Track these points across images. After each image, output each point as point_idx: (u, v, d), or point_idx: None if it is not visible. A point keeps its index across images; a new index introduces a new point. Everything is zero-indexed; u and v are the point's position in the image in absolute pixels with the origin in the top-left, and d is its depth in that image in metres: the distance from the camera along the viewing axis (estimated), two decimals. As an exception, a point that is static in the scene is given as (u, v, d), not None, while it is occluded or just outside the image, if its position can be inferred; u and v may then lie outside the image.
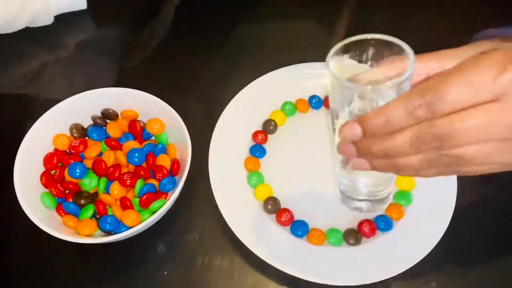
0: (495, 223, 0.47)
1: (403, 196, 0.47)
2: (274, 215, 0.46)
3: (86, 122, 0.49)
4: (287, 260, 0.42)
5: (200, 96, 0.55)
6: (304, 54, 0.56)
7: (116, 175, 0.45)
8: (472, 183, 0.48)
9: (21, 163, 0.44)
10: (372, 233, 0.45)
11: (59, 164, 0.47)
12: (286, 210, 0.46)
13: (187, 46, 0.61)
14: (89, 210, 0.44)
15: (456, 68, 0.28)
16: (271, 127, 0.52)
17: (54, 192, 0.44)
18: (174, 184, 0.45)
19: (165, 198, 0.45)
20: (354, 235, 0.45)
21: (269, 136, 0.52)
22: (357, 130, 0.32)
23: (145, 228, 0.42)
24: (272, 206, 0.46)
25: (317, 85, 0.54)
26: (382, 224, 0.45)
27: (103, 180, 0.46)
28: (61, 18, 0.61)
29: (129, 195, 0.45)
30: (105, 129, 0.48)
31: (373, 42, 0.33)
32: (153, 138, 0.49)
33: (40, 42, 0.60)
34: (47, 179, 0.45)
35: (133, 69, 0.58)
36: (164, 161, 0.47)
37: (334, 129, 0.37)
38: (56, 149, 0.47)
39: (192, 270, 0.44)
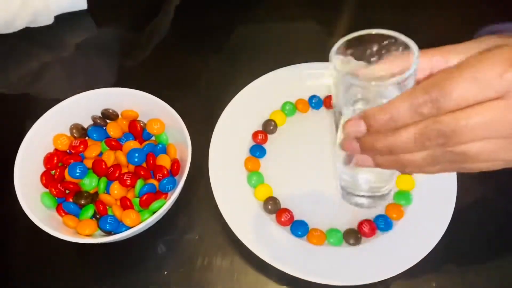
0: (495, 223, 0.47)
1: (403, 196, 0.47)
2: (274, 215, 0.46)
3: (86, 122, 0.49)
4: (287, 260, 0.42)
5: (200, 96, 0.56)
6: (304, 54, 0.56)
7: (116, 175, 0.45)
8: (472, 183, 0.48)
9: (21, 163, 0.44)
10: (372, 233, 0.45)
11: (59, 164, 0.47)
12: (286, 210, 0.46)
13: (187, 46, 0.61)
14: (89, 210, 0.44)
15: (462, 65, 0.28)
16: (271, 127, 0.52)
17: (54, 192, 0.44)
18: (174, 184, 0.45)
19: (165, 198, 0.45)
20: (354, 235, 0.45)
21: (269, 136, 0.52)
22: (361, 126, 0.31)
23: (145, 228, 0.42)
24: (272, 206, 0.46)
25: (317, 85, 0.54)
26: (382, 224, 0.45)
27: (103, 180, 0.46)
28: (61, 18, 0.61)
29: (129, 195, 0.45)
30: (105, 129, 0.48)
31: (377, 37, 0.33)
32: (153, 138, 0.49)
33: (40, 42, 0.60)
34: (47, 179, 0.45)
35: (133, 69, 0.58)
36: (164, 161, 0.47)
37: (336, 125, 0.36)
38: (56, 149, 0.47)
39: (192, 270, 0.44)
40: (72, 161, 0.46)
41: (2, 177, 0.44)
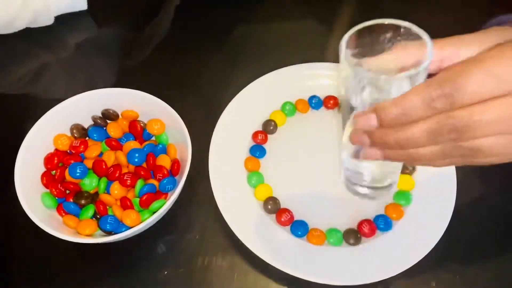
0: (495, 223, 0.47)
1: (403, 196, 0.47)
2: (274, 215, 0.46)
3: (87, 123, 0.49)
4: (287, 260, 0.42)
5: (200, 96, 0.56)
6: (304, 54, 0.56)
7: (117, 175, 0.45)
8: (471, 183, 0.48)
9: (22, 163, 0.44)
10: (372, 233, 0.45)
11: (60, 164, 0.47)
12: (286, 210, 0.46)
13: (187, 46, 0.61)
14: (90, 210, 0.44)
15: (476, 59, 0.28)
16: (271, 127, 0.52)
17: (55, 192, 0.44)
18: (174, 184, 0.45)
19: (165, 198, 0.45)
20: (354, 235, 0.45)
21: (269, 136, 0.52)
22: (373, 120, 0.31)
23: (145, 228, 0.42)
24: (272, 206, 0.46)
25: (317, 85, 0.54)
26: (382, 224, 0.45)
27: (104, 180, 0.46)
28: (61, 19, 0.61)
29: (130, 195, 0.45)
30: (106, 129, 0.48)
31: (388, 28, 0.32)
32: (153, 138, 0.50)
33: (41, 43, 0.60)
34: (48, 179, 0.45)
35: (133, 69, 0.59)
36: (164, 161, 0.47)
37: (343, 117, 0.36)
38: (56, 149, 0.47)
39: (192, 270, 0.44)
40: (72, 161, 0.46)
41: (3, 177, 0.44)
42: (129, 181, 0.45)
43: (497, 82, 0.27)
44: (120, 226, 0.43)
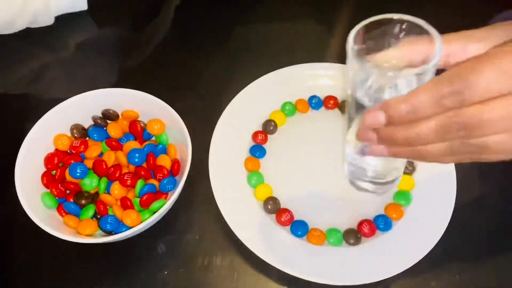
0: (495, 223, 0.47)
1: (403, 196, 0.47)
2: (274, 215, 0.46)
3: (87, 123, 0.49)
4: (287, 260, 0.42)
5: (200, 96, 0.56)
6: (304, 54, 0.56)
7: (117, 175, 0.45)
8: (471, 183, 0.48)
9: (22, 163, 0.44)
10: (371, 233, 0.45)
11: (60, 164, 0.47)
12: (286, 210, 0.46)
13: (187, 46, 0.61)
14: (90, 210, 0.44)
15: (488, 55, 0.28)
16: (271, 127, 0.52)
17: (55, 192, 0.44)
18: (175, 184, 0.45)
19: (165, 198, 0.45)
20: (354, 235, 0.45)
21: (269, 136, 0.52)
22: (381, 117, 0.30)
23: (145, 228, 0.42)
24: (272, 206, 0.46)
25: (317, 85, 0.54)
26: (381, 224, 0.45)
27: (104, 180, 0.46)
28: (61, 19, 0.61)
29: (130, 195, 0.45)
30: (106, 129, 0.49)
31: (397, 23, 0.32)
32: (153, 138, 0.50)
33: (41, 43, 0.60)
34: (48, 179, 0.45)
35: (133, 69, 0.59)
36: (164, 161, 0.47)
37: (349, 112, 0.35)
38: (57, 149, 0.47)
39: (192, 270, 0.44)
40: (72, 161, 0.46)
41: (3, 177, 0.44)
42: (129, 181, 0.45)
43: (508, 79, 0.27)
44: (120, 226, 0.43)
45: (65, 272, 0.45)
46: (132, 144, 0.47)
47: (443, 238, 0.43)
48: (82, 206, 0.45)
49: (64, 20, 0.61)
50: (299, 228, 0.45)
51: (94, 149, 0.47)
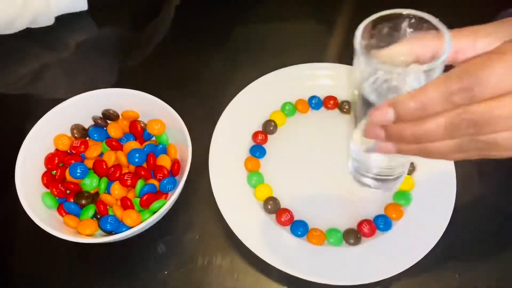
0: (495, 223, 0.47)
1: (403, 196, 0.47)
2: (274, 215, 0.46)
3: (87, 123, 0.49)
4: (287, 260, 0.43)
5: (200, 96, 0.56)
6: (304, 54, 0.56)
7: (117, 175, 0.45)
8: (471, 183, 0.48)
9: (23, 163, 0.44)
10: (371, 233, 0.45)
11: (60, 164, 0.47)
12: (286, 210, 0.46)
13: (187, 46, 0.61)
14: (90, 210, 0.44)
15: (497, 51, 0.27)
16: (271, 128, 0.52)
17: (55, 192, 0.45)
18: (175, 184, 0.45)
19: (166, 198, 0.45)
20: (353, 235, 0.45)
21: (269, 136, 0.52)
22: (390, 114, 0.30)
23: (145, 228, 0.42)
24: (272, 206, 0.46)
25: (317, 86, 0.54)
26: (381, 224, 0.45)
27: (104, 180, 0.46)
28: (61, 19, 0.61)
29: (130, 195, 0.45)
30: (106, 129, 0.49)
31: (405, 19, 0.31)
32: (153, 138, 0.50)
33: (41, 43, 0.60)
34: (48, 179, 0.45)
35: (133, 69, 0.59)
36: (164, 161, 0.47)
37: (355, 108, 0.35)
38: (57, 150, 0.47)
39: (192, 270, 0.44)
40: (73, 161, 0.46)
41: (4, 177, 0.44)
42: (129, 181, 0.45)
43: None
44: (120, 226, 0.43)
45: (65, 272, 0.45)
46: (132, 144, 0.47)
47: (443, 238, 0.43)
48: (82, 206, 0.45)
49: (64, 20, 0.61)
50: (299, 228, 0.45)
51: (94, 149, 0.47)
